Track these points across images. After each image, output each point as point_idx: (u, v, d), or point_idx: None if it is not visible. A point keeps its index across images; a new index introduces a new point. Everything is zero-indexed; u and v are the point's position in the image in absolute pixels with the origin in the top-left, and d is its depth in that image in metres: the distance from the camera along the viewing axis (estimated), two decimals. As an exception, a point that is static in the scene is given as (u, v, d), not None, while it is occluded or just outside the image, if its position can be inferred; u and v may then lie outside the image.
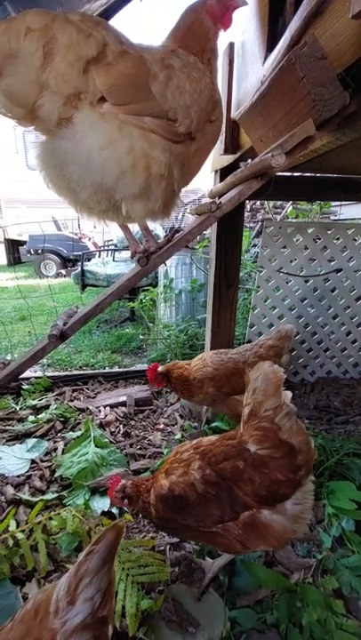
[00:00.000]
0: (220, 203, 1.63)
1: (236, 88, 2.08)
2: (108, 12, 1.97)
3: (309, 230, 2.88)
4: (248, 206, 6.81)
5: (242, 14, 1.79)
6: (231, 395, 2.15)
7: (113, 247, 8.19)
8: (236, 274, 2.58)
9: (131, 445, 2.37)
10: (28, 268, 11.83)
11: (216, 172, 2.49)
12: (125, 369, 3.57)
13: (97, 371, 3.55)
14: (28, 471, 2.12)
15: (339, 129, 1.33)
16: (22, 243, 12.18)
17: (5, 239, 12.56)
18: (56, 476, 2.06)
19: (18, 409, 2.72)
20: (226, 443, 1.39)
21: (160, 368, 2.23)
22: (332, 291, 3.12)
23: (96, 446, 2.15)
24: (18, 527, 1.62)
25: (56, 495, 1.91)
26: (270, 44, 1.63)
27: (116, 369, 3.73)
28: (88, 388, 3.12)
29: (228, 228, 2.47)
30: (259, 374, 1.34)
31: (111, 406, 2.80)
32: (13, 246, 12.77)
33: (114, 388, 3.15)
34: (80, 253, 6.72)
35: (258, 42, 1.76)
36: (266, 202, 5.29)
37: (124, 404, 2.82)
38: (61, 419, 2.60)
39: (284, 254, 2.92)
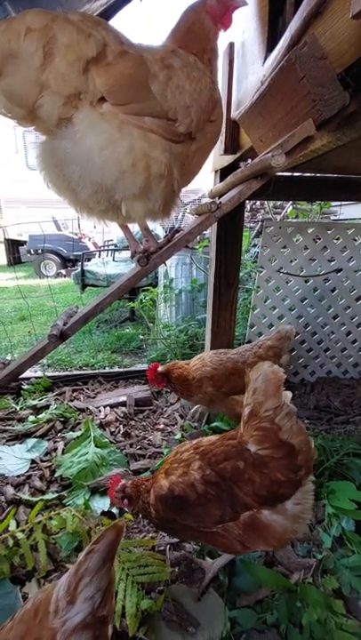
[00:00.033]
0: (220, 203, 1.63)
1: (236, 88, 2.08)
2: (108, 12, 1.97)
3: (309, 230, 2.88)
4: (248, 206, 6.81)
5: (242, 14, 1.80)
6: (230, 395, 2.15)
7: (113, 247, 8.19)
8: (236, 274, 2.58)
9: (131, 445, 2.37)
10: (28, 267, 11.83)
11: (216, 171, 2.49)
12: (125, 369, 3.57)
13: (97, 371, 3.54)
14: (28, 471, 2.12)
15: (339, 129, 1.33)
16: (22, 243, 12.18)
17: (5, 239, 12.56)
18: (56, 475, 2.06)
19: (18, 409, 2.72)
20: (226, 443, 1.39)
21: (160, 368, 2.23)
22: (332, 291, 3.12)
23: (96, 446, 2.15)
24: (18, 527, 1.62)
25: (56, 495, 1.90)
26: (270, 44, 1.63)
27: (116, 369, 3.73)
28: (88, 388, 3.12)
29: (228, 228, 2.47)
30: (259, 375, 1.34)
31: (111, 406, 2.80)
32: (13, 246, 12.77)
33: (114, 388, 3.15)
34: (80, 253, 6.72)
35: (258, 42, 1.76)
36: (266, 202, 5.29)
37: (124, 404, 2.82)
38: (61, 419, 2.60)
39: (284, 254, 2.92)
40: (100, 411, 2.73)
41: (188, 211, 7.82)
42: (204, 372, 2.15)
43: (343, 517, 1.72)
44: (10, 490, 1.95)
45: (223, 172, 2.35)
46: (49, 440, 2.40)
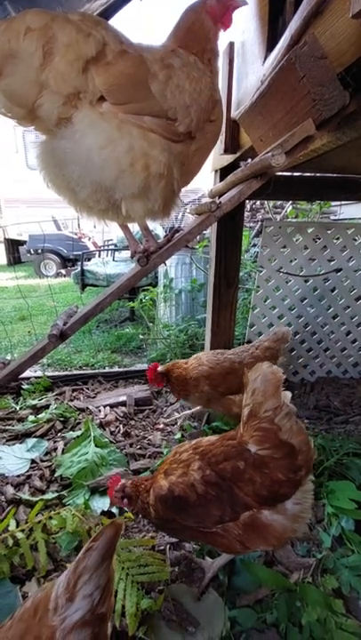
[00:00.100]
0: (220, 202, 1.63)
1: (236, 87, 2.08)
2: (107, 12, 1.97)
3: (309, 230, 2.88)
4: (248, 206, 6.81)
5: (242, 14, 1.80)
6: (227, 394, 2.17)
7: (113, 247, 8.18)
8: (235, 273, 2.58)
9: (131, 445, 2.38)
10: (27, 267, 11.83)
11: (216, 171, 2.49)
12: (125, 369, 3.57)
13: (97, 370, 3.54)
14: (27, 471, 2.12)
15: (339, 128, 1.33)
16: (22, 242, 12.17)
17: (5, 239, 12.55)
18: (56, 475, 2.06)
19: (18, 409, 2.72)
20: (226, 443, 1.39)
21: (160, 368, 2.24)
22: (332, 290, 3.12)
23: (96, 446, 2.16)
24: (18, 526, 1.63)
25: (56, 495, 1.91)
26: (270, 44, 1.63)
27: (115, 369, 3.73)
28: (88, 388, 3.12)
29: (227, 228, 2.47)
30: (258, 375, 1.34)
31: (111, 406, 2.80)
32: (13, 246, 12.76)
33: (114, 388, 3.15)
34: (80, 253, 6.71)
35: (258, 41, 1.76)
36: (266, 201, 5.29)
37: (123, 403, 2.82)
38: (61, 418, 2.60)
39: (284, 254, 2.92)
40: (99, 410, 2.73)
41: (188, 210, 7.82)
42: (201, 372, 2.16)
43: (343, 517, 1.72)
44: (10, 489, 1.95)
45: (223, 172, 2.35)
46: (49, 440, 2.40)
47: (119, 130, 1.30)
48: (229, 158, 2.23)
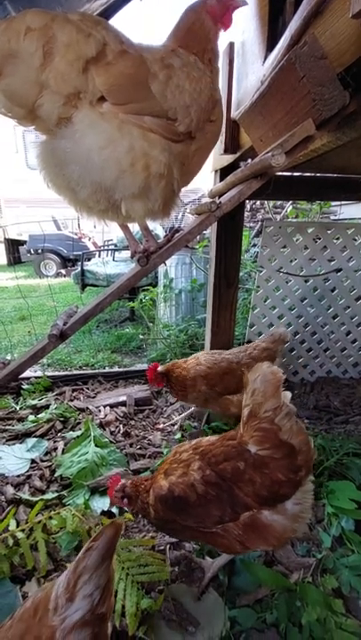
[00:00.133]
0: (220, 202, 1.63)
1: (236, 87, 2.08)
2: (107, 12, 1.97)
3: (309, 230, 2.88)
4: (248, 206, 6.81)
5: (242, 14, 1.80)
6: (224, 394, 2.18)
7: (113, 247, 8.18)
8: (235, 273, 2.58)
9: (131, 445, 2.38)
10: (27, 267, 11.83)
11: (216, 171, 2.49)
12: (125, 369, 3.57)
13: (97, 370, 3.54)
14: (27, 471, 2.12)
15: (339, 128, 1.33)
16: (22, 242, 12.17)
17: (5, 239, 12.54)
18: (56, 475, 2.06)
19: (18, 409, 2.72)
20: (226, 443, 1.39)
21: (160, 368, 2.24)
22: (332, 290, 3.12)
23: (96, 446, 2.16)
24: (18, 526, 1.63)
25: (56, 495, 1.91)
26: (270, 44, 1.63)
27: (115, 369, 3.73)
28: (88, 388, 3.12)
29: (227, 228, 2.47)
30: (258, 375, 1.34)
31: (111, 406, 2.80)
32: (13, 246, 12.76)
33: (114, 388, 3.15)
34: (80, 253, 6.72)
35: (258, 41, 1.76)
36: (266, 201, 5.29)
37: (123, 403, 2.82)
38: (61, 418, 2.60)
39: (284, 254, 2.92)
40: (99, 410, 2.73)
41: (188, 210, 7.82)
42: (198, 371, 2.17)
43: (343, 517, 1.72)
44: (10, 489, 1.95)
45: (223, 172, 2.35)
46: (49, 440, 2.40)
47: (119, 130, 1.30)
48: (229, 158, 2.23)
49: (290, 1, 1.54)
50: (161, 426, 2.61)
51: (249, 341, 2.83)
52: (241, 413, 2.19)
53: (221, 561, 1.51)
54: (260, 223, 5.73)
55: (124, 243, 6.84)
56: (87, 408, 2.75)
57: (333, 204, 5.04)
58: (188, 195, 10.04)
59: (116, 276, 5.52)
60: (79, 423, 2.56)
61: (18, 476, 2.07)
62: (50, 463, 2.17)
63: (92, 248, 10.41)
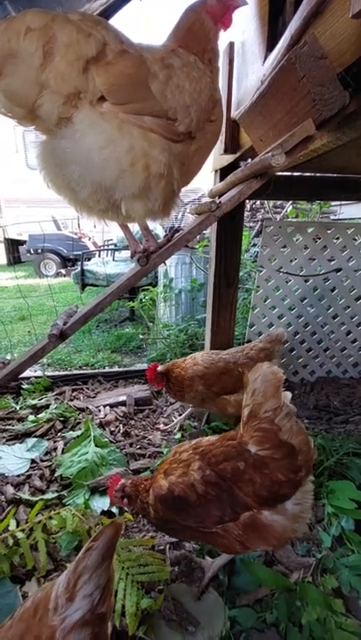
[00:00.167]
0: (220, 202, 1.63)
1: (236, 87, 2.08)
2: (107, 12, 1.97)
3: (309, 230, 2.88)
4: (248, 206, 6.80)
5: (242, 14, 1.79)
6: (221, 394, 2.18)
7: (113, 247, 8.18)
8: (235, 273, 2.58)
9: (130, 445, 2.38)
10: (27, 267, 11.82)
11: (216, 171, 2.49)
12: (125, 368, 3.57)
13: (97, 370, 3.55)
14: (27, 471, 2.12)
15: (339, 128, 1.33)
16: (22, 242, 12.16)
17: (5, 239, 12.54)
18: (56, 475, 2.06)
19: (18, 408, 2.72)
20: (226, 443, 1.39)
21: (160, 368, 2.24)
22: (332, 290, 3.12)
23: (96, 446, 2.16)
24: (18, 526, 1.63)
25: (56, 495, 1.91)
26: (270, 44, 1.63)
27: (115, 368, 3.73)
28: (88, 388, 3.12)
29: (227, 228, 2.47)
30: (258, 375, 1.34)
31: (111, 406, 2.80)
32: (13, 246, 12.76)
33: (114, 388, 3.15)
34: (80, 253, 6.71)
35: (258, 41, 1.76)
36: (266, 201, 5.29)
37: (123, 403, 2.83)
38: (61, 418, 2.60)
39: (284, 254, 2.92)
40: (99, 410, 2.73)
41: (188, 210, 7.82)
42: (196, 371, 2.18)
43: (343, 517, 1.73)
44: (10, 489, 1.95)
45: (223, 172, 2.35)
46: (49, 440, 2.40)
47: (119, 130, 1.30)
48: (229, 158, 2.23)
49: (290, 1, 1.54)
50: (161, 427, 2.61)
51: (249, 341, 2.83)
52: (238, 413, 2.21)
53: (221, 561, 1.51)
54: (260, 223, 5.73)
55: (124, 242, 6.84)
56: (87, 408, 2.75)
57: (333, 203, 5.03)
58: (188, 195, 10.04)
59: (116, 276, 5.52)
60: (79, 423, 2.57)
61: (18, 475, 2.07)
62: (50, 463, 2.17)
63: (91, 248, 10.40)
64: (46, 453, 2.27)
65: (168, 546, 1.66)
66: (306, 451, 1.29)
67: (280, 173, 2.34)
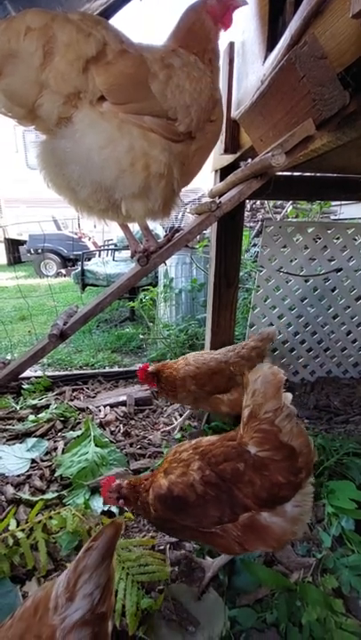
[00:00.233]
0: (220, 202, 1.63)
1: (237, 87, 2.08)
2: (107, 12, 1.97)
3: (309, 230, 2.88)
4: (248, 206, 6.80)
5: (242, 14, 1.79)
6: (214, 394, 2.19)
7: (113, 247, 8.18)
8: (236, 273, 2.58)
9: (131, 445, 2.38)
10: (27, 267, 11.83)
11: (216, 171, 2.49)
12: (125, 368, 3.57)
13: (97, 370, 3.55)
14: (28, 470, 2.12)
15: (339, 128, 1.33)
16: (22, 242, 12.17)
17: (5, 239, 12.55)
18: (56, 475, 2.06)
19: (18, 408, 2.72)
20: (226, 444, 1.39)
21: (150, 368, 2.25)
22: (333, 290, 3.12)
23: (96, 446, 2.16)
24: (18, 526, 1.63)
25: (56, 494, 1.91)
26: (270, 44, 1.63)
27: (116, 368, 3.73)
28: (88, 388, 3.13)
29: (228, 228, 2.47)
30: (258, 376, 1.34)
31: (111, 406, 2.80)
32: (13, 246, 12.77)
33: (114, 388, 3.15)
34: (80, 253, 6.72)
35: (258, 41, 1.76)
36: (266, 201, 5.29)
37: (124, 403, 2.83)
38: (61, 418, 2.60)
39: (284, 254, 2.92)
40: (100, 410, 2.73)
41: (188, 210, 7.82)
42: (188, 371, 2.19)
43: (343, 517, 1.72)
44: (10, 489, 1.95)
45: (223, 172, 2.35)
46: (49, 439, 2.40)
47: (119, 129, 1.30)
48: (229, 158, 2.23)
49: (290, 1, 1.54)
50: (161, 427, 2.61)
51: (249, 341, 2.83)
52: (232, 412, 2.22)
53: (222, 561, 1.51)
54: (260, 223, 5.73)
55: (124, 242, 6.83)
56: (87, 408, 2.75)
57: (333, 203, 5.04)
58: (188, 194, 10.03)
59: (116, 276, 5.52)
60: (79, 423, 2.57)
61: (18, 475, 2.07)
62: (50, 463, 2.17)
63: (92, 248, 10.40)
64: (46, 453, 2.27)
65: (168, 546, 1.66)
66: (306, 453, 1.29)
67: (280, 173, 2.34)
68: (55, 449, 2.30)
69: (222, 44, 1.77)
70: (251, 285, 3.38)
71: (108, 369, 3.75)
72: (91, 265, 6.54)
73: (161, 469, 1.46)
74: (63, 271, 10.98)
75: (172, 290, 4.30)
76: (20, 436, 2.42)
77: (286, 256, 2.92)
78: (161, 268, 4.67)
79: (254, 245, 4.76)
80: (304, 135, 1.31)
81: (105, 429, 2.49)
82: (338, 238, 2.95)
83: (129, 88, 1.31)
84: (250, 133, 1.81)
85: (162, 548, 1.65)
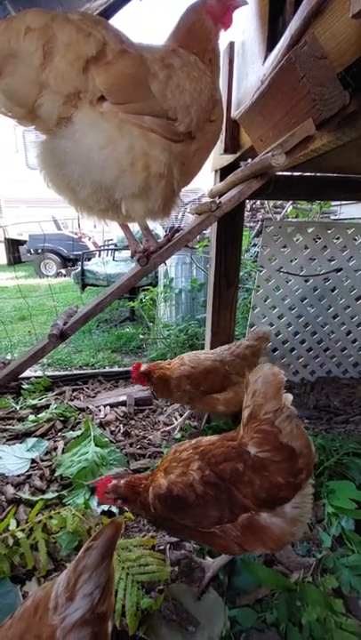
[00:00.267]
0: (220, 202, 1.63)
1: (237, 87, 2.08)
2: (107, 12, 1.97)
3: (309, 230, 2.88)
4: (248, 206, 6.80)
5: (242, 14, 1.79)
6: (209, 393, 2.20)
7: (113, 247, 8.18)
8: (236, 273, 2.59)
9: (131, 445, 2.38)
10: (28, 267, 11.83)
11: (216, 171, 2.49)
12: (125, 368, 3.56)
13: (97, 370, 3.55)
14: (28, 470, 2.12)
15: (339, 128, 1.33)
16: (22, 242, 12.18)
17: (5, 239, 12.55)
18: (56, 475, 2.06)
19: (18, 408, 2.72)
20: (226, 444, 1.39)
21: (142, 368, 2.25)
22: (332, 290, 3.12)
23: (96, 446, 2.16)
24: (18, 526, 1.63)
25: (56, 494, 1.91)
26: (270, 44, 1.63)
27: (116, 368, 3.73)
28: (88, 388, 3.12)
29: (228, 228, 2.47)
30: (259, 376, 1.33)
31: (111, 406, 2.80)
32: (13, 246, 12.77)
33: (114, 388, 3.15)
34: (80, 253, 6.72)
35: (258, 41, 1.76)
36: (266, 201, 5.29)
37: (123, 403, 2.83)
38: (61, 418, 2.60)
39: (284, 254, 2.92)
40: (100, 410, 2.73)
41: (188, 210, 7.81)
42: (182, 371, 2.19)
43: (343, 517, 1.72)
44: (10, 489, 1.95)
45: (223, 172, 2.35)
46: (49, 439, 2.40)
47: (119, 129, 1.30)
48: (229, 158, 2.23)
49: (290, 1, 1.54)
50: (161, 427, 2.61)
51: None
52: (229, 411, 2.22)
53: (222, 561, 1.51)
54: (260, 223, 5.73)
55: (124, 242, 6.83)
56: (87, 408, 2.75)
57: (333, 203, 5.04)
58: (188, 194, 10.02)
59: (116, 276, 5.52)
60: (79, 423, 2.57)
61: (18, 475, 2.07)
62: (50, 463, 2.17)
63: (92, 248, 10.40)
64: (46, 453, 2.27)
65: (168, 546, 1.66)
66: (307, 454, 1.28)
67: (280, 173, 2.34)
68: (55, 449, 2.30)
69: (222, 44, 1.77)
70: (251, 285, 3.38)
71: (108, 369, 3.75)
72: (91, 265, 6.54)
73: (161, 468, 1.45)
74: (63, 271, 10.98)
75: (172, 290, 4.31)
76: (20, 436, 2.42)
77: (286, 256, 2.92)
78: (161, 268, 4.67)
79: (254, 245, 4.76)
80: (304, 135, 1.31)
81: (105, 429, 2.49)
82: (338, 238, 2.95)
83: (129, 88, 1.31)
84: (250, 133, 1.81)
85: (162, 548, 1.65)
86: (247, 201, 4.50)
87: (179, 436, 2.45)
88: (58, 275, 10.97)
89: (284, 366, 3.17)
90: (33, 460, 2.19)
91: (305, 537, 1.69)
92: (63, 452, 2.23)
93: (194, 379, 2.17)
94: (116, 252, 7.51)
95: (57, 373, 3.35)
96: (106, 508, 1.80)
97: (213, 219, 1.67)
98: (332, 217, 6.16)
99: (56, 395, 2.95)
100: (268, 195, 2.30)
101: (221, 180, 2.13)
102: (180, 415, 2.72)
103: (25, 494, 1.92)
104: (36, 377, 3.07)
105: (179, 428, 2.53)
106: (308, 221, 4.12)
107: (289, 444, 1.27)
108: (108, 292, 1.80)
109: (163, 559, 1.52)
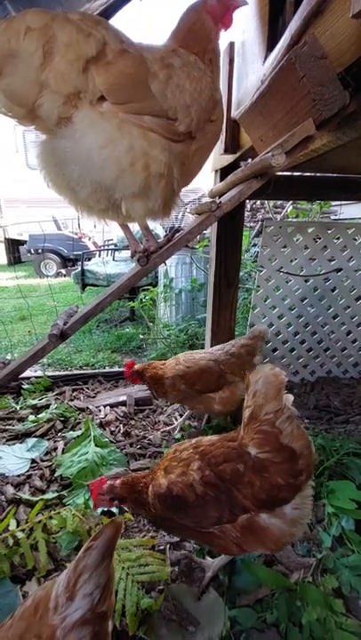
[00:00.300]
0: (221, 202, 1.63)
1: (237, 87, 2.08)
2: (107, 12, 1.97)
3: (309, 230, 2.88)
4: (248, 206, 6.80)
5: (242, 14, 1.79)
6: (204, 392, 2.20)
7: (113, 247, 8.18)
8: (236, 273, 2.59)
9: (131, 445, 2.38)
10: (28, 267, 11.84)
11: (216, 171, 2.49)
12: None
13: (97, 370, 3.55)
14: (28, 471, 2.12)
15: (339, 128, 1.33)
16: (22, 242, 12.18)
17: (5, 239, 12.55)
18: (56, 475, 2.06)
19: (18, 408, 2.72)
20: (226, 444, 1.38)
21: (136, 367, 2.26)
22: (333, 290, 3.12)
23: (96, 446, 2.16)
24: (18, 526, 1.63)
25: (56, 494, 1.91)
26: (270, 44, 1.63)
27: (116, 368, 3.73)
28: (88, 388, 3.13)
29: (228, 228, 2.47)
30: (259, 377, 1.33)
31: (111, 406, 2.80)
32: (13, 246, 12.77)
33: (114, 388, 3.15)
34: (80, 253, 6.72)
35: (258, 41, 1.76)
36: (266, 201, 5.29)
37: (124, 403, 2.83)
38: (61, 418, 2.60)
39: (285, 254, 2.92)
40: (100, 410, 2.73)
41: (188, 210, 7.81)
42: (177, 371, 2.20)
43: (343, 517, 1.72)
44: (10, 489, 1.95)
45: (223, 172, 2.35)
46: (49, 439, 2.40)
47: (119, 129, 1.30)
48: (229, 158, 2.23)
49: (290, 1, 1.54)
50: (161, 427, 2.61)
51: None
52: (225, 410, 2.22)
53: (222, 561, 1.51)
54: (260, 223, 5.73)
55: (125, 242, 6.84)
56: (87, 408, 2.75)
57: (333, 203, 5.04)
58: (188, 195, 10.02)
59: (116, 276, 5.52)
60: (79, 423, 2.57)
61: (18, 475, 2.07)
62: (50, 463, 2.17)
63: (92, 248, 10.40)
64: (46, 453, 2.27)
65: (168, 546, 1.66)
66: (307, 455, 1.28)
67: (280, 173, 2.34)
68: (55, 449, 2.30)
69: (222, 44, 1.77)
70: (251, 285, 3.38)
71: (108, 369, 3.75)
72: (91, 265, 6.54)
73: (161, 467, 1.45)
74: (63, 271, 10.98)
75: (172, 290, 4.31)
76: (20, 436, 2.42)
77: (286, 256, 2.92)
78: (161, 268, 4.67)
79: (254, 245, 4.76)
80: (304, 135, 1.31)
81: (105, 429, 2.49)
82: (338, 238, 2.95)
83: (129, 88, 1.31)
84: (250, 133, 1.81)
85: (162, 547, 1.65)
86: (247, 201, 4.50)
87: (179, 435, 2.45)
88: (58, 275, 10.97)
89: (285, 366, 3.17)
90: (33, 460, 2.19)
91: (305, 537, 1.69)
92: (63, 452, 2.23)
93: (188, 378, 2.17)
94: (116, 252, 7.52)
95: (57, 373, 3.35)
96: (106, 508, 1.80)
97: (213, 219, 1.67)
98: (333, 217, 6.16)
99: (56, 395, 2.95)
100: (268, 195, 2.30)
101: (221, 180, 2.13)
102: (180, 415, 2.72)
103: (25, 494, 1.92)
104: (36, 377, 3.07)
105: (179, 427, 2.53)
106: (308, 221, 4.12)
107: (289, 445, 1.26)
108: (109, 292, 1.80)
109: (163, 559, 1.52)
